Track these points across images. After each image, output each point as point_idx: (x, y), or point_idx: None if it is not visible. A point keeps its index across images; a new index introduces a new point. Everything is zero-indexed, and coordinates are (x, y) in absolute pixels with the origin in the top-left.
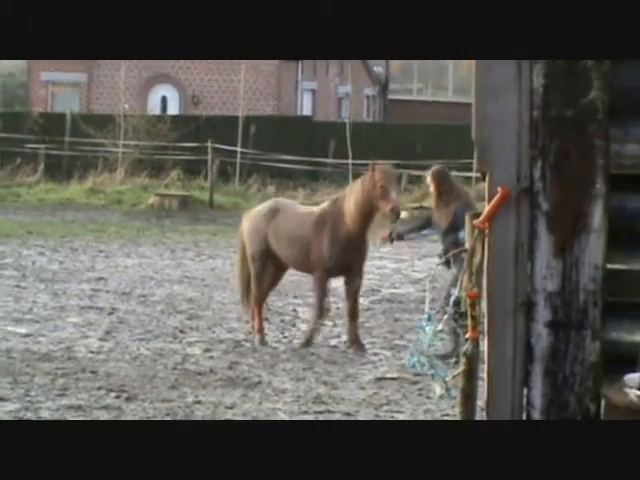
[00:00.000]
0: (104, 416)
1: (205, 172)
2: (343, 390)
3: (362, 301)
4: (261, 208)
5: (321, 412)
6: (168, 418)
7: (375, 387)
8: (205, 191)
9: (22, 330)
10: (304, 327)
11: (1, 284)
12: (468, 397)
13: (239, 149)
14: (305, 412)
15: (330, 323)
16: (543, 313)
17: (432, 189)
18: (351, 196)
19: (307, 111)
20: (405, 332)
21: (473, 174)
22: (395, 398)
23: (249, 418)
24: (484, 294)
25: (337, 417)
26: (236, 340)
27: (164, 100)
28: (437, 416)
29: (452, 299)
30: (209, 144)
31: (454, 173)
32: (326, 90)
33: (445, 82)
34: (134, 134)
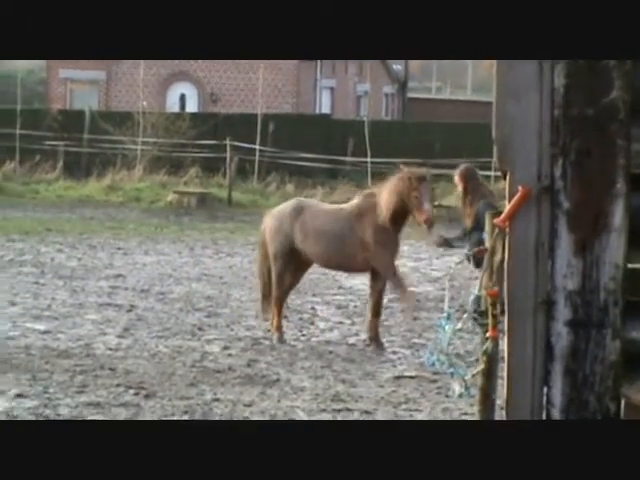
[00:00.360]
0: (122, 413)
1: (224, 170)
2: (361, 388)
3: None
4: (285, 206)
5: (339, 410)
6: (186, 416)
7: (393, 385)
8: (224, 189)
9: (41, 327)
10: (322, 325)
11: (20, 281)
12: (487, 396)
13: (258, 147)
14: (324, 410)
15: (348, 321)
16: (563, 312)
17: (459, 188)
18: (385, 196)
19: (326, 109)
20: (424, 330)
21: (492, 173)
22: (413, 396)
23: (267, 416)
24: (504, 293)
25: (355, 415)
26: (254, 338)
27: (183, 98)
28: (455, 415)
29: (471, 298)
30: (228, 142)
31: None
32: (345, 88)
33: (464, 81)
34: (153, 131)
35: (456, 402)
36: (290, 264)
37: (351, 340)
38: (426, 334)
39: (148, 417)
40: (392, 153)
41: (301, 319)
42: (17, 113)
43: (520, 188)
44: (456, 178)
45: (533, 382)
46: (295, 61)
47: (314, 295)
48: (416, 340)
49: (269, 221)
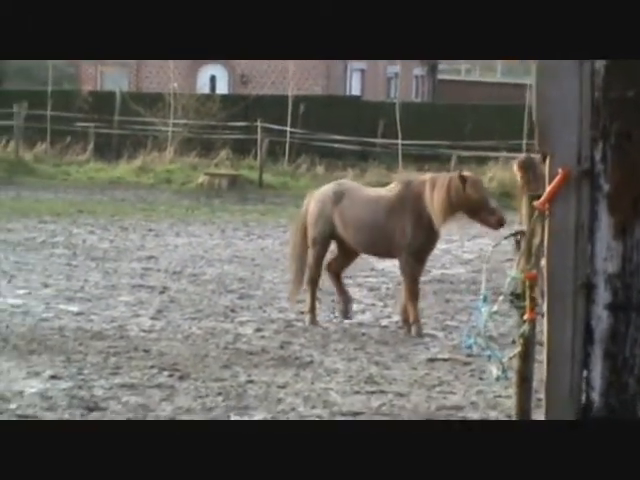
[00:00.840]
0: (157, 394)
1: (254, 152)
2: (395, 370)
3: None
4: (326, 190)
5: (373, 392)
6: (220, 397)
7: (427, 368)
8: (254, 170)
9: (74, 308)
10: (354, 307)
11: (53, 262)
12: (524, 379)
13: (289, 129)
14: (357, 392)
15: (380, 303)
16: (603, 295)
17: (518, 178)
18: (434, 193)
19: (356, 91)
20: (456, 313)
21: (522, 155)
22: (447, 379)
23: (301, 398)
24: (543, 276)
25: (389, 397)
26: (287, 320)
27: (213, 79)
28: (489, 397)
29: (507, 280)
30: (259, 123)
31: (502, 154)
32: (375, 70)
33: (493, 63)
34: (183, 113)
35: (490, 385)
36: (327, 249)
37: (384, 322)
38: (458, 316)
39: (182, 398)
40: (423, 135)
41: (333, 301)
42: (48, 95)
43: (560, 170)
44: (515, 167)
45: (572, 365)
46: None
47: (346, 277)
48: (449, 322)
49: (311, 204)
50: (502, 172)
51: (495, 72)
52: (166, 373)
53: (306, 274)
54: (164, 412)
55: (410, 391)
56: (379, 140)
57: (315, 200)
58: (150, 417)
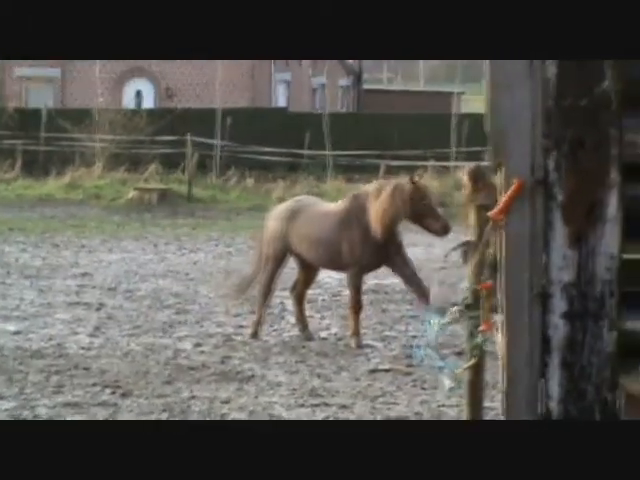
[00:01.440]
0: (101, 413)
1: (183, 166)
2: (337, 382)
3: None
4: (283, 208)
5: (317, 405)
6: (165, 414)
7: (369, 379)
8: (184, 184)
9: (11, 327)
10: (292, 319)
11: None
12: (475, 389)
13: (218, 142)
14: (302, 405)
15: (318, 315)
16: (559, 304)
17: (466, 187)
18: (378, 203)
19: (282, 102)
20: (394, 323)
21: (451, 163)
22: (390, 389)
23: (246, 412)
24: (498, 286)
25: (334, 410)
26: (225, 334)
27: (139, 94)
28: (433, 407)
29: (462, 290)
30: (188, 137)
31: (431, 163)
32: (300, 81)
33: (415, 71)
34: (110, 128)
35: (433, 394)
36: (280, 266)
37: (323, 334)
38: (397, 326)
39: (127, 416)
40: (351, 146)
41: (271, 314)
42: None
43: (515, 181)
44: (465, 177)
45: (530, 374)
46: None
47: (282, 289)
48: (387, 333)
49: (269, 222)
50: (431, 181)
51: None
52: (108, 391)
53: (257, 289)
54: None
55: (354, 402)
56: (307, 151)
57: (272, 218)
58: None
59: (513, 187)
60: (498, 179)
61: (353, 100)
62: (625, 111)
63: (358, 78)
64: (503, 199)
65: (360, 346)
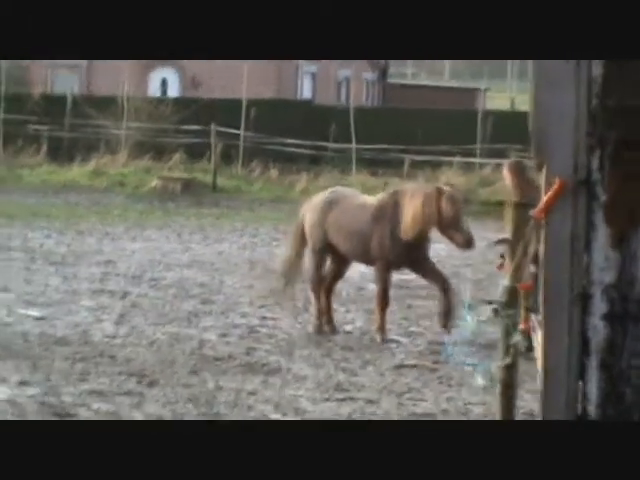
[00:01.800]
0: (126, 401)
1: (208, 155)
2: (363, 377)
3: (372, 287)
4: (319, 200)
5: (343, 399)
6: (190, 404)
7: (394, 374)
8: (208, 174)
9: (36, 313)
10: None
11: (11, 266)
12: (508, 387)
13: (242, 132)
14: (327, 399)
15: (343, 309)
16: (600, 306)
17: (508, 182)
18: (410, 207)
19: (307, 94)
20: (419, 319)
21: (477, 160)
22: (416, 386)
23: (272, 404)
24: (539, 286)
25: (360, 404)
26: (250, 325)
27: (164, 83)
28: (459, 404)
29: (500, 289)
30: (213, 127)
31: (456, 159)
32: (326, 73)
33: (440, 67)
34: (136, 116)
35: (458, 391)
36: (327, 257)
37: (347, 327)
38: (422, 322)
39: (152, 405)
40: (375, 139)
41: (295, 307)
42: (0, 97)
43: (557, 180)
44: (505, 171)
45: (569, 376)
46: None
47: (304, 281)
48: (413, 329)
49: (307, 213)
50: (456, 177)
51: (442, 75)
52: (134, 379)
53: (308, 283)
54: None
55: (380, 398)
56: (332, 144)
57: (310, 210)
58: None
59: (555, 186)
60: (540, 177)
61: (378, 94)
62: None
63: (383, 72)
64: (545, 198)
65: (385, 341)
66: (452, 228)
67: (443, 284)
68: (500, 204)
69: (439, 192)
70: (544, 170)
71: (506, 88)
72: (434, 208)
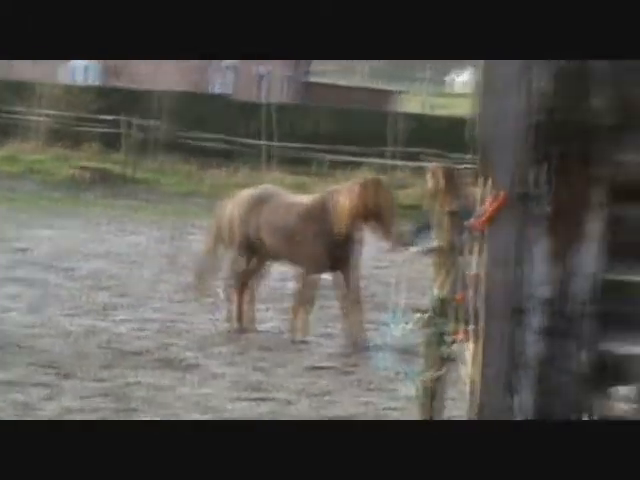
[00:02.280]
0: (40, 393)
1: (125, 146)
2: (279, 378)
3: (278, 286)
4: (247, 195)
5: (262, 399)
6: (107, 398)
7: (312, 376)
8: (124, 165)
9: None
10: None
11: None
12: (435, 398)
13: (157, 123)
14: (245, 399)
15: (262, 306)
16: (536, 320)
17: (432, 186)
18: (341, 201)
19: (227, 89)
20: (331, 320)
21: (389, 161)
22: (331, 388)
23: (189, 402)
24: (473, 298)
25: (276, 404)
26: (164, 320)
27: (86, 70)
28: (379, 408)
29: (431, 298)
30: (122, 118)
31: (370, 159)
32: (247, 69)
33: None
34: (52, 103)
35: (378, 395)
36: (250, 254)
37: (264, 326)
38: (332, 323)
39: (69, 398)
40: (293, 138)
41: (213, 303)
42: None
43: (500, 192)
44: (430, 176)
45: (502, 390)
46: None
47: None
48: (329, 330)
49: (233, 209)
50: None
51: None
52: (51, 371)
53: (227, 279)
54: (44, 412)
55: (298, 399)
56: (250, 141)
57: (237, 205)
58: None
59: (498, 198)
60: (480, 187)
61: (297, 91)
62: (615, 129)
63: (303, 70)
64: (487, 210)
65: (299, 341)
66: (380, 221)
67: (355, 296)
68: (414, 208)
69: (368, 183)
70: (485, 180)
71: (421, 91)
72: (370, 199)
